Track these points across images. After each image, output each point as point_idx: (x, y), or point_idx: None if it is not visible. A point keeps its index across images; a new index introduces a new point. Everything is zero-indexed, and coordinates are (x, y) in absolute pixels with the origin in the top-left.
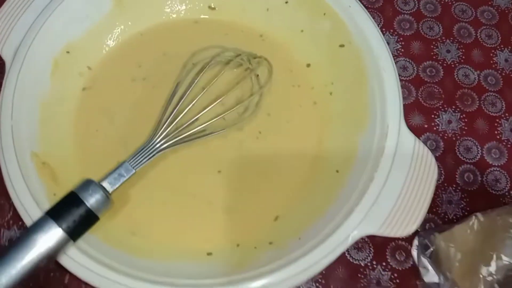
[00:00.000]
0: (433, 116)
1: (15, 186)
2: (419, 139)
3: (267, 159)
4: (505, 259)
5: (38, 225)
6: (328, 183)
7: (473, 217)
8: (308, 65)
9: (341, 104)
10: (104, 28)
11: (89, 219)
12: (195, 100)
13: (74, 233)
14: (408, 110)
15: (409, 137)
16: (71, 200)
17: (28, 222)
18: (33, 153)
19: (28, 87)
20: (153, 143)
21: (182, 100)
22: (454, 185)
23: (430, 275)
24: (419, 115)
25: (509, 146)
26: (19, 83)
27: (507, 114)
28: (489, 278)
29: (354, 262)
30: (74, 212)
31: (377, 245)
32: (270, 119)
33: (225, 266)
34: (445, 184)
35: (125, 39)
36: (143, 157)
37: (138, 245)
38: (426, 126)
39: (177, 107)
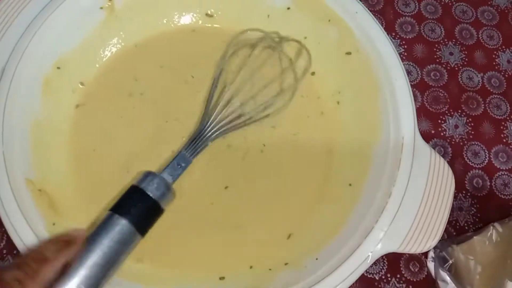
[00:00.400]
0: (439, 121)
1: (11, 217)
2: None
3: (274, 173)
4: None
5: (108, 224)
6: (341, 198)
7: (491, 227)
8: (313, 74)
9: (350, 114)
10: (96, 40)
11: (156, 212)
12: (239, 91)
13: (142, 228)
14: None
15: (425, 148)
16: (136, 195)
17: None
18: (28, 180)
19: (17, 109)
20: (204, 131)
21: (227, 89)
22: (464, 191)
23: None
24: (425, 121)
25: None
26: (8, 106)
27: None
28: None
29: (369, 276)
30: (141, 206)
31: (390, 257)
32: (275, 131)
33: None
34: (455, 191)
35: (119, 52)
36: (197, 146)
37: (145, 273)
38: (433, 131)
39: (223, 97)
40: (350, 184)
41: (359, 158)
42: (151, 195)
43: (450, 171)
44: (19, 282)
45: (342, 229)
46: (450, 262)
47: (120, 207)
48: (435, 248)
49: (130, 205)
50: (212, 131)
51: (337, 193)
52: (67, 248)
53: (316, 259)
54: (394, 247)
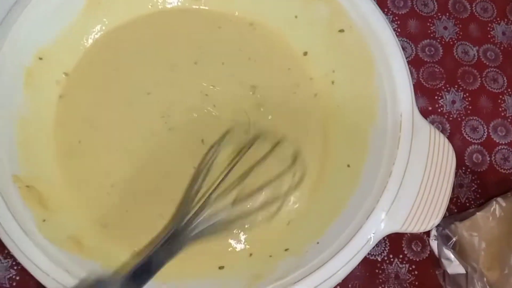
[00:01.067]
0: (436, 97)
1: None
2: None
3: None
4: None
5: None
6: (340, 180)
7: (494, 202)
8: (305, 53)
9: (346, 94)
10: (79, 28)
11: None
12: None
13: None
14: None
15: (424, 124)
16: None
17: (16, 252)
18: (15, 176)
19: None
20: (184, 229)
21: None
22: (464, 168)
23: (454, 266)
24: (422, 97)
25: None
26: None
27: (509, 90)
28: None
29: (371, 258)
30: None
31: (392, 238)
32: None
33: (241, 279)
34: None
35: (103, 39)
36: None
37: None
38: (430, 108)
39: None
40: (348, 165)
41: (357, 138)
42: None
43: (451, 147)
44: None
45: (342, 212)
46: (454, 239)
47: None
48: (437, 226)
49: None
50: (194, 232)
51: (336, 176)
52: None
53: (317, 243)
54: (396, 227)
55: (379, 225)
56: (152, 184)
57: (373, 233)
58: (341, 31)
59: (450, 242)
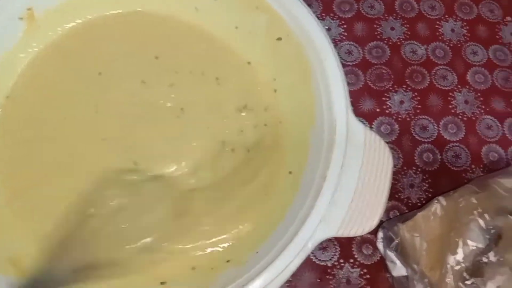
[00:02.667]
0: (384, 98)
1: None
2: (372, 124)
3: None
4: (472, 244)
5: None
6: (282, 187)
7: (435, 202)
8: (249, 63)
9: (287, 101)
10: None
11: None
12: None
13: None
14: (358, 96)
15: (358, 126)
16: None
17: None
18: None
19: None
20: None
21: None
22: (414, 168)
23: (398, 269)
24: (370, 100)
25: (465, 119)
26: None
27: (459, 86)
28: (457, 267)
29: (321, 263)
30: None
31: (342, 242)
32: None
33: None
34: (405, 168)
35: (55, 41)
36: None
37: (81, 283)
38: (378, 110)
39: None
40: (290, 172)
41: (298, 144)
42: None
43: (387, 149)
44: None
45: (281, 220)
46: (396, 241)
47: None
48: (383, 228)
49: None
50: None
51: (278, 183)
52: None
53: (257, 252)
54: (332, 232)
55: (315, 231)
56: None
57: (309, 239)
58: (279, 39)
59: (392, 244)
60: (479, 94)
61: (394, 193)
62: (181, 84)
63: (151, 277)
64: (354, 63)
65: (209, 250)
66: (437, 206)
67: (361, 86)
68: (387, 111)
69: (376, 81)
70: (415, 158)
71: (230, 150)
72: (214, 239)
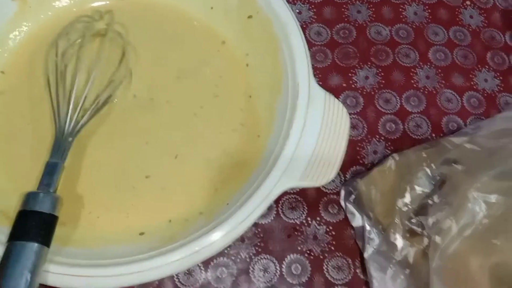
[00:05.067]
0: (350, 74)
1: None
2: (339, 98)
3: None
4: (419, 189)
5: (17, 254)
6: (250, 150)
7: (390, 158)
8: (223, 42)
9: (259, 74)
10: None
11: (52, 222)
12: (90, 81)
13: (48, 241)
14: (326, 72)
15: (319, 92)
16: (29, 217)
17: None
18: None
19: None
20: (65, 131)
21: (76, 84)
22: (377, 136)
23: (357, 219)
24: (337, 76)
25: (426, 92)
26: None
27: (421, 63)
28: (405, 209)
29: (290, 221)
30: (38, 225)
31: (310, 202)
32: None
33: (158, 242)
34: (369, 136)
35: (36, 35)
36: (62, 149)
37: (67, 235)
38: (344, 85)
39: (74, 92)
40: (258, 136)
41: (268, 113)
42: (42, 210)
43: (345, 110)
44: None
45: (249, 175)
46: (354, 194)
47: (21, 234)
48: (345, 185)
49: (28, 228)
50: (72, 127)
51: (249, 146)
52: None
53: (227, 204)
54: (293, 183)
55: (277, 182)
56: None
57: (273, 189)
58: (250, 17)
59: (351, 197)
60: (439, 70)
61: (358, 159)
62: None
63: (131, 228)
64: (323, 43)
65: (185, 205)
66: (391, 162)
67: (329, 63)
68: (353, 86)
69: (343, 59)
70: (379, 127)
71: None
72: (190, 196)
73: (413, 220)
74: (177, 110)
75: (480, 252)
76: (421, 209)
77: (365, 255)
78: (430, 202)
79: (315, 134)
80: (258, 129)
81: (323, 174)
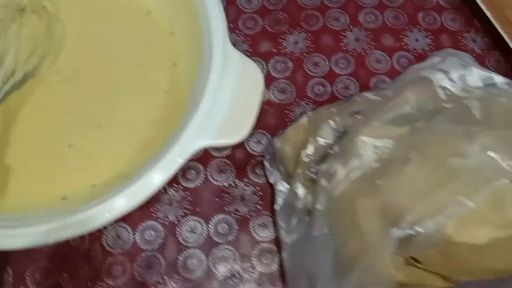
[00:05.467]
0: (280, 40)
1: None
2: (268, 63)
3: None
4: (322, 141)
5: None
6: (174, 115)
7: (304, 115)
8: (149, 13)
9: (183, 41)
10: None
11: None
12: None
13: None
14: (256, 39)
15: (234, 53)
16: None
17: None
18: None
19: None
20: None
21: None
22: (306, 99)
23: (273, 176)
24: (267, 42)
25: (355, 54)
26: None
27: (351, 26)
28: (307, 159)
29: (218, 184)
30: None
31: (238, 165)
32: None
33: (78, 205)
34: (297, 100)
35: None
36: None
37: None
38: (274, 50)
39: None
40: (180, 101)
41: (191, 78)
42: None
43: (259, 71)
44: None
45: (170, 137)
46: (269, 155)
47: None
48: (267, 146)
49: None
50: None
51: (171, 112)
52: None
53: (144, 164)
54: (207, 141)
55: (191, 140)
56: None
57: (187, 148)
58: None
59: (268, 156)
60: (369, 32)
61: (286, 122)
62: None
63: (54, 194)
64: (253, 10)
65: (107, 170)
66: (305, 119)
67: (259, 30)
68: (282, 51)
69: (273, 25)
70: (307, 90)
71: None
72: (112, 162)
73: (313, 170)
74: (101, 81)
75: (366, 193)
76: (322, 159)
77: (276, 207)
78: (331, 152)
79: (229, 94)
80: (181, 95)
81: (237, 132)
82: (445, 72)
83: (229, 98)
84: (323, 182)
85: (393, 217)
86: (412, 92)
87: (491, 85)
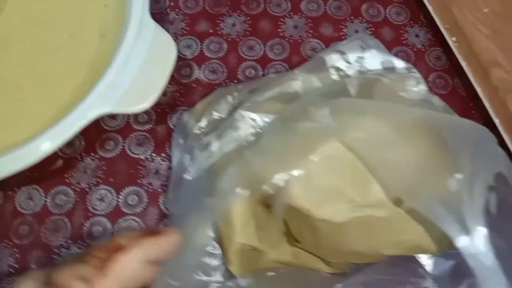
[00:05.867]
0: (218, 21)
1: None
2: (203, 42)
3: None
4: (216, 114)
5: None
6: (92, 80)
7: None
8: None
9: (113, 13)
10: None
11: None
12: None
13: None
14: (195, 19)
15: (151, 25)
16: None
17: None
18: None
19: None
20: None
21: None
22: (236, 80)
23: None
24: (205, 22)
25: (291, 41)
26: None
27: (291, 13)
28: (198, 131)
29: (135, 156)
30: None
31: (158, 139)
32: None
33: None
34: (227, 81)
35: None
36: None
37: None
38: (211, 31)
39: None
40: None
41: (114, 48)
42: None
43: (172, 43)
44: (84, 281)
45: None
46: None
47: None
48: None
49: None
50: None
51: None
52: (149, 237)
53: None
54: (108, 108)
55: (92, 106)
56: None
57: (89, 112)
58: None
59: (178, 128)
60: (309, 20)
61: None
62: None
63: None
64: None
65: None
66: (213, 94)
67: (199, 10)
68: (219, 32)
69: (213, 6)
70: (238, 73)
71: None
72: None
73: (202, 142)
74: (30, 50)
75: (236, 164)
76: (212, 130)
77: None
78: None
79: (138, 63)
80: (103, 66)
81: (139, 103)
82: (342, 53)
83: (137, 67)
84: (196, 153)
85: (253, 184)
86: (301, 70)
87: (390, 68)
